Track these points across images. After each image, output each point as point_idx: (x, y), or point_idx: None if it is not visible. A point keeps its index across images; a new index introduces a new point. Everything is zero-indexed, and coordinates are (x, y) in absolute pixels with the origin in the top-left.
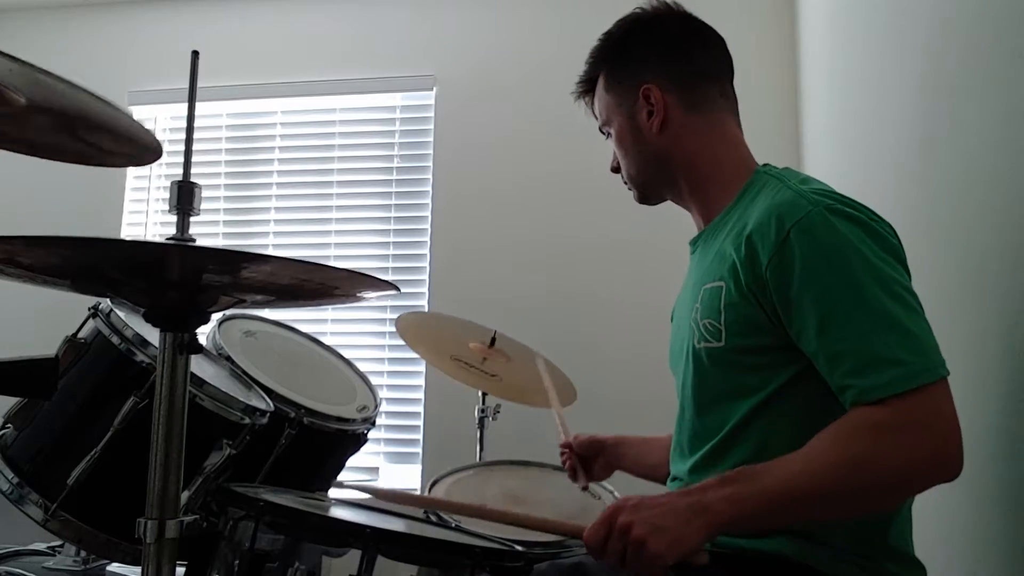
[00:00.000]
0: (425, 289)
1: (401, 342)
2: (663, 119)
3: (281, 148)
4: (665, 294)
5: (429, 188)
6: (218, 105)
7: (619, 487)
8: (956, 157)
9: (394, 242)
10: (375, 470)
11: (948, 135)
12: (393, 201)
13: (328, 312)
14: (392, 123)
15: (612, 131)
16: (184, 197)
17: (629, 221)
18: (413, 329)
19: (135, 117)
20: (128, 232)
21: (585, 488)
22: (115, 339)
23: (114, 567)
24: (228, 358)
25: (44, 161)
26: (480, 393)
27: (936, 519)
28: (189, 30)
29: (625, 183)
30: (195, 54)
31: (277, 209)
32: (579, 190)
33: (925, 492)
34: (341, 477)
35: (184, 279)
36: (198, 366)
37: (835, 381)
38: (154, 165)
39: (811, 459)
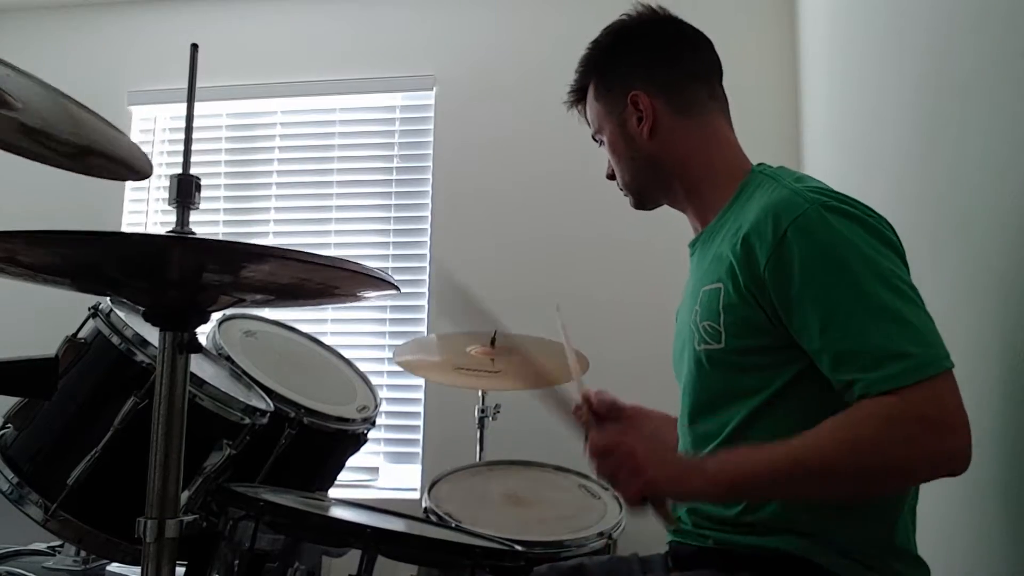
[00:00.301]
0: (425, 289)
1: (402, 341)
2: (652, 124)
3: (281, 148)
4: (665, 294)
5: (429, 188)
6: (218, 105)
7: None
8: (956, 157)
9: (394, 242)
10: (375, 470)
11: (948, 135)
12: (393, 201)
13: (328, 312)
14: (392, 123)
15: (604, 139)
16: (184, 191)
17: (628, 221)
18: (412, 360)
19: (135, 117)
20: (128, 230)
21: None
22: (115, 339)
23: (114, 567)
24: (228, 358)
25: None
26: (480, 393)
27: (937, 518)
28: (189, 30)
29: (621, 190)
30: (194, 47)
31: (277, 209)
32: (579, 190)
33: (926, 492)
34: (342, 478)
35: (184, 277)
36: (198, 366)
37: (839, 378)
38: (155, 164)
39: (818, 436)
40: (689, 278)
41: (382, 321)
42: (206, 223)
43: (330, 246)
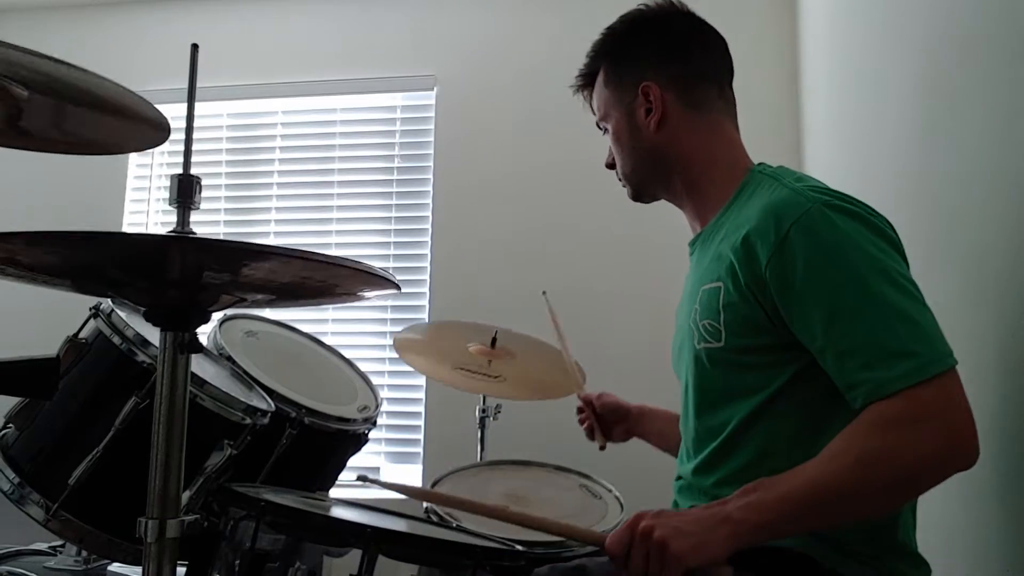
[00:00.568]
0: (426, 289)
1: None
2: (660, 117)
3: (282, 148)
4: (666, 290)
5: (430, 188)
6: (219, 105)
7: (620, 487)
8: (956, 156)
9: (395, 242)
10: (376, 470)
11: (948, 134)
12: (394, 201)
13: (329, 312)
14: (393, 123)
15: (609, 126)
16: (184, 190)
17: (629, 219)
18: (411, 346)
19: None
20: (129, 231)
21: (603, 447)
22: (116, 339)
23: (115, 567)
24: (229, 358)
25: (45, 160)
26: (478, 393)
27: (937, 518)
28: (189, 30)
29: (619, 180)
30: (195, 47)
31: (278, 209)
32: (579, 189)
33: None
34: (343, 478)
35: (185, 276)
36: (199, 366)
37: (845, 378)
38: (155, 164)
39: (829, 460)
40: (688, 277)
41: (383, 321)
42: (207, 223)
43: (331, 246)
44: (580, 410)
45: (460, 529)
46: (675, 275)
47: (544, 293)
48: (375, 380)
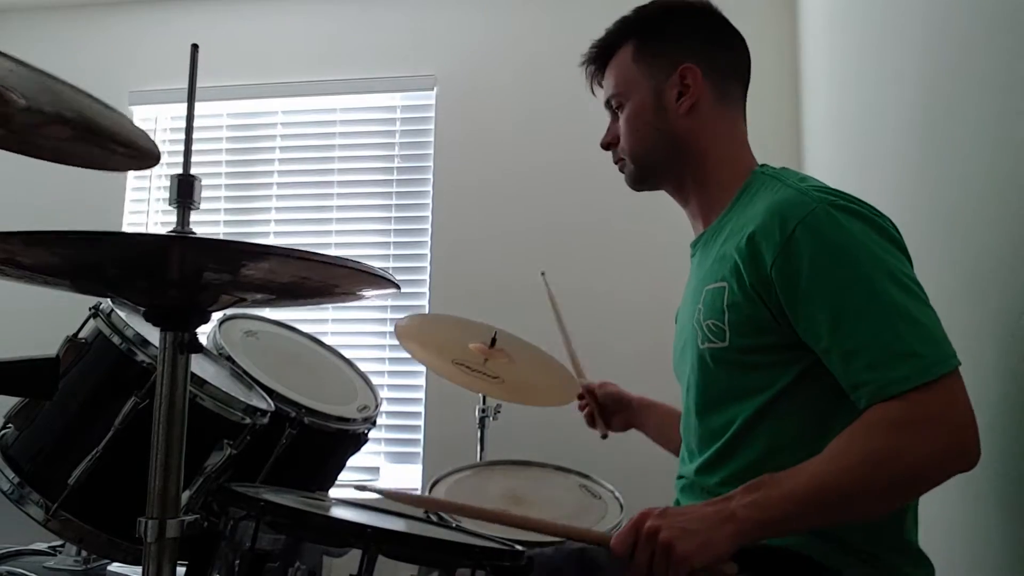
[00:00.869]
0: (426, 289)
1: None
2: (694, 103)
3: (282, 148)
4: (667, 288)
5: (429, 188)
6: (219, 105)
7: (620, 487)
8: (955, 156)
9: (395, 242)
10: (376, 470)
11: (947, 134)
12: (393, 201)
13: (329, 312)
14: (392, 123)
15: (628, 104)
16: (184, 190)
17: (630, 218)
18: (412, 332)
19: (136, 117)
20: (129, 231)
21: (605, 436)
22: (116, 339)
23: (115, 567)
24: (229, 358)
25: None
26: (474, 391)
27: (937, 516)
28: (189, 30)
29: (618, 161)
30: (195, 47)
31: (278, 209)
32: (579, 189)
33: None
34: (343, 478)
35: (184, 276)
36: (199, 366)
37: (849, 378)
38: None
39: (833, 459)
40: (690, 278)
41: (383, 321)
42: (207, 223)
43: (331, 246)
44: (581, 397)
45: (460, 529)
46: (676, 275)
47: (543, 274)
48: (375, 380)
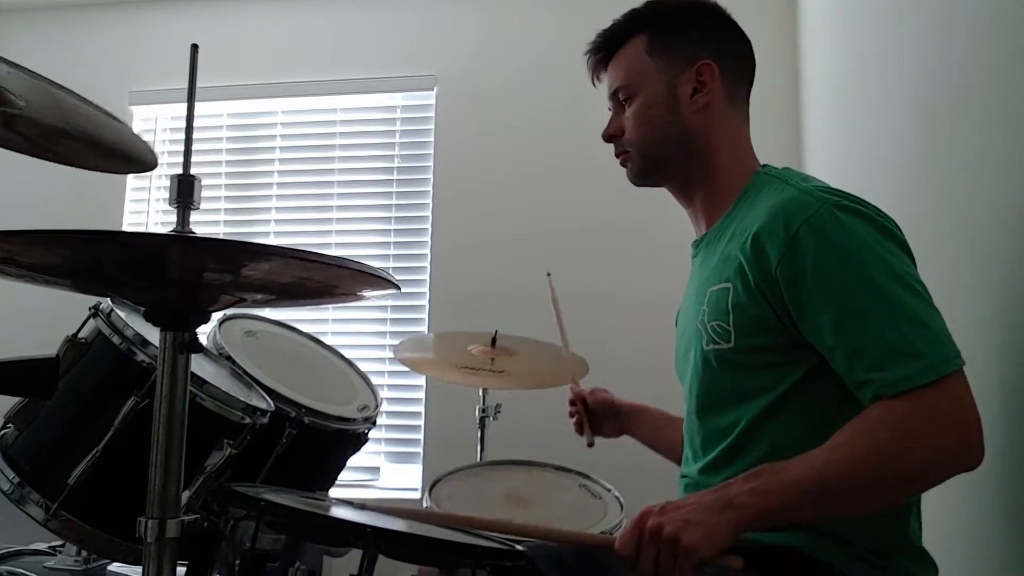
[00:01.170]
0: (426, 289)
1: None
2: (709, 100)
3: (282, 148)
4: (668, 289)
5: (430, 188)
6: (219, 105)
7: (620, 487)
8: (957, 156)
9: (395, 242)
10: (376, 470)
11: (949, 134)
12: (394, 201)
13: (329, 312)
14: (392, 123)
15: (639, 96)
16: (184, 190)
17: (630, 218)
18: (413, 356)
19: (136, 117)
20: (129, 231)
21: (591, 444)
22: (116, 339)
23: (115, 567)
24: (229, 358)
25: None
26: (480, 392)
27: (939, 516)
28: (189, 30)
29: (620, 154)
30: (195, 47)
31: (278, 209)
32: (580, 189)
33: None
34: (343, 478)
35: (185, 276)
36: (199, 366)
37: (853, 377)
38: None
39: (835, 451)
40: (691, 279)
41: (383, 321)
42: (207, 223)
43: (331, 246)
44: (572, 403)
45: (460, 529)
46: (677, 276)
47: (549, 275)
48: (375, 380)
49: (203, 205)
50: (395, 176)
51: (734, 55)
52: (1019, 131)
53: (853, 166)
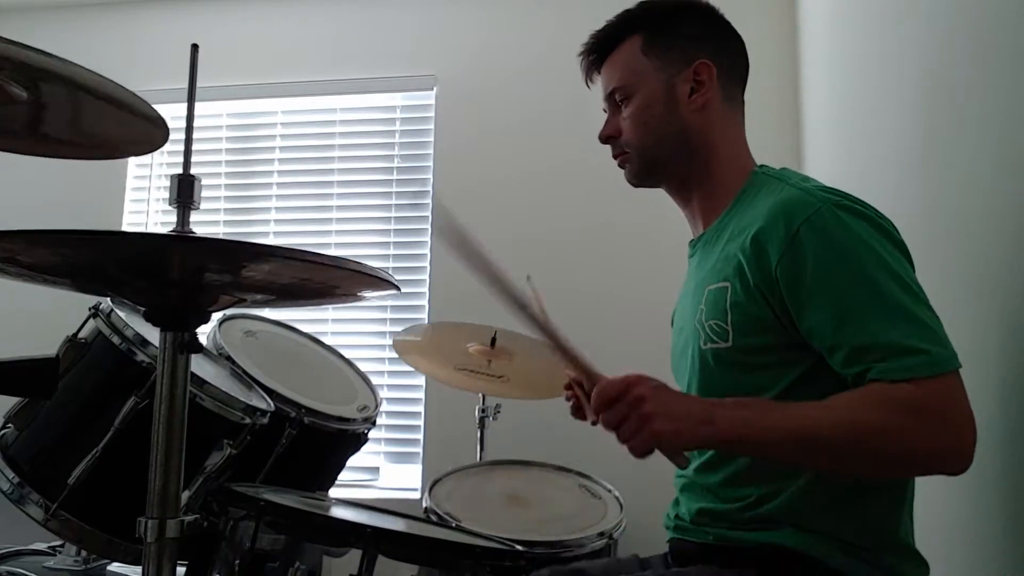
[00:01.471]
0: (426, 289)
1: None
2: (707, 100)
3: (281, 148)
4: (668, 290)
5: (429, 188)
6: (218, 105)
7: (620, 487)
8: (957, 157)
9: (394, 242)
10: (375, 470)
11: (949, 135)
12: (393, 201)
13: (328, 312)
14: (392, 123)
15: (636, 97)
16: (184, 190)
17: (630, 219)
18: (411, 348)
19: None
20: (129, 231)
21: (595, 422)
22: (116, 339)
23: (115, 567)
24: (229, 358)
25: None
26: (480, 392)
27: (936, 516)
28: (189, 30)
29: (618, 155)
30: (195, 47)
31: (278, 209)
32: (580, 189)
33: (926, 491)
34: (343, 478)
35: (185, 277)
36: (199, 366)
37: (853, 370)
38: (155, 164)
39: (828, 412)
40: (688, 278)
41: (382, 321)
42: (206, 223)
43: (331, 246)
44: (568, 387)
45: (460, 529)
46: (677, 277)
47: (528, 278)
48: (375, 380)
49: (203, 205)
50: (395, 176)
51: (730, 54)
52: (1019, 131)
53: (853, 166)
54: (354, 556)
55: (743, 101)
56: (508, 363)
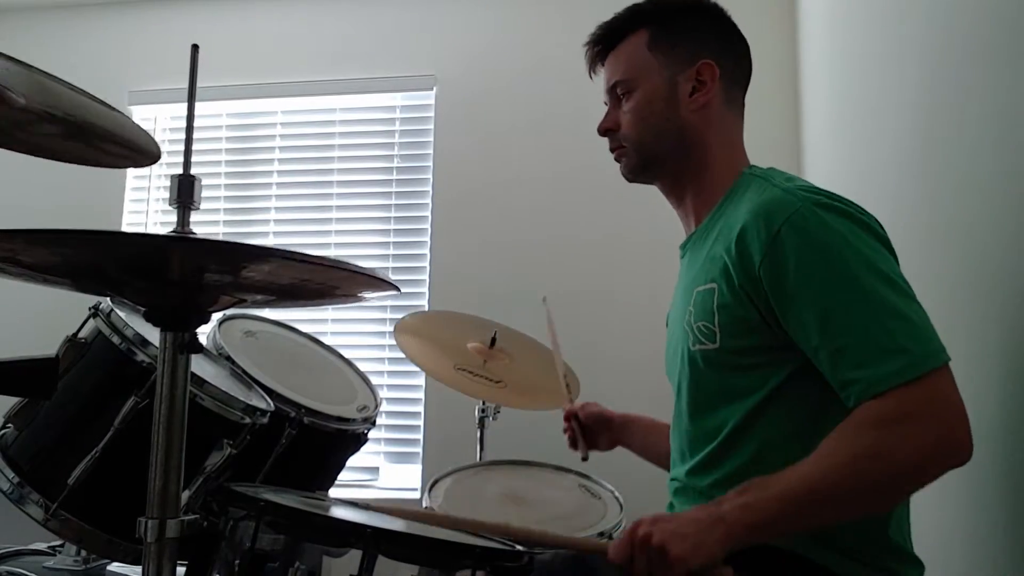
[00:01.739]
0: (425, 289)
1: None
2: (708, 100)
3: (281, 148)
4: (666, 292)
5: (429, 188)
6: (218, 105)
7: (619, 487)
8: (957, 157)
9: (394, 242)
10: (375, 470)
11: (949, 135)
12: (393, 201)
13: (328, 312)
14: (392, 123)
15: (638, 91)
16: (184, 190)
17: (630, 219)
18: (411, 330)
19: (135, 117)
20: (129, 230)
21: (585, 458)
22: (116, 339)
23: (115, 567)
24: (228, 358)
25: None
26: (478, 398)
27: (935, 517)
28: (189, 30)
29: (615, 149)
30: (195, 47)
31: (277, 209)
32: (579, 189)
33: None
34: (343, 478)
35: (185, 277)
36: (198, 366)
37: (838, 376)
38: (155, 165)
39: (822, 459)
40: (680, 280)
41: (382, 321)
42: (206, 223)
43: (330, 246)
44: (566, 419)
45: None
46: (675, 277)
47: (544, 299)
48: (375, 380)
49: (203, 205)
50: (394, 176)
51: (734, 57)
52: (1019, 131)
53: (853, 166)
54: (354, 556)
55: (744, 105)
56: (506, 366)
